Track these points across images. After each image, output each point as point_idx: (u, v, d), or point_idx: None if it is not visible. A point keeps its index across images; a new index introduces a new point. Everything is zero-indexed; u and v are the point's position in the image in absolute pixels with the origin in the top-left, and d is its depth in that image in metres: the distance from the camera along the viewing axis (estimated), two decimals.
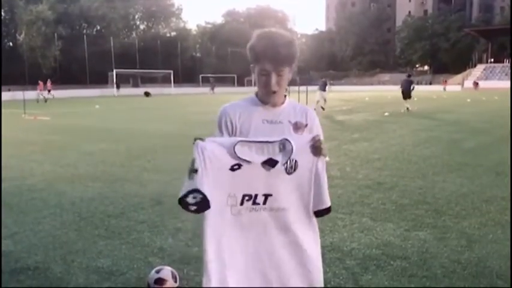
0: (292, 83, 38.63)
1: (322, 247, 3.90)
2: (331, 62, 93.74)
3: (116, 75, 50.53)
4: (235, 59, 70.09)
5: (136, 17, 76.32)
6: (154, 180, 6.74)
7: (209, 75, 61.58)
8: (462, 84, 59.71)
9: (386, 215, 4.97)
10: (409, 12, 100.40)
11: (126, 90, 51.69)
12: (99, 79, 54.50)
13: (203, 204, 1.65)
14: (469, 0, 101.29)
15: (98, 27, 68.11)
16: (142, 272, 3.45)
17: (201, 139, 1.69)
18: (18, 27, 58.67)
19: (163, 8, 75.94)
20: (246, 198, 1.71)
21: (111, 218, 4.92)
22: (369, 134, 12.21)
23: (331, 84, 45.76)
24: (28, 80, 47.82)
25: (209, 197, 1.65)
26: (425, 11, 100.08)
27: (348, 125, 15.05)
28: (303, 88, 24.28)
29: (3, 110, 24.06)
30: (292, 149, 1.71)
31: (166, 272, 3.03)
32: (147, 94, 46.55)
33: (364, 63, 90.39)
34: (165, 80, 60.16)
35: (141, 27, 78.01)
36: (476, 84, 52.65)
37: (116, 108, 26.64)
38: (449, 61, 79.52)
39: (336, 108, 23.74)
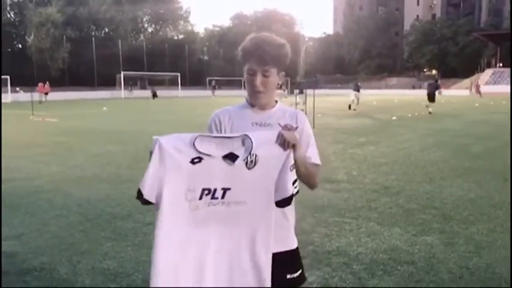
0: (300, 86, 38.38)
1: (328, 251, 3.95)
2: (339, 66, 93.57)
3: (124, 77, 50.75)
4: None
5: (145, 19, 76.57)
6: None
7: (216, 78, 61.67)
8: (470, 89, 59.37)
9: (393, 219, 4.94)
10: (417, 16, 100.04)
11: (133, 93, 51.95)
12: (107, 81, 54.76)
13: (140, 198, 1.66)
14: (478, 4, 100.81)
15: (106, 30, 68.39)
16: (148, 274, 3.43)
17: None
18: (27, 29, 59.05)
19: (171, 11, 76.17)
20: (205, 192, 1.69)
21: (118, 219, 4.93)
22: (376, 138, 12.17)
23: (340, 88, 45.96)
24: (36, 82, 48.17)
25: (162, 192, 1.64)
26: (434, 15, 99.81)
27: (355, 128, 15.00)
28: (310, 92, 24.25)
29: (11, 111, 24.26)
30: (251, 144, 1.69)
31: None
32: (154, 94, 46.84)
33: (371, 67, 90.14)
34: (172, 83, 60.33)
35: (149, 30, 78.24)
36: (478, 87, 49.59)
37: (123, 110, 26.74)
38: (457, 65, 79.10)
39: (342, 111, 23.69)
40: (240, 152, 1.70)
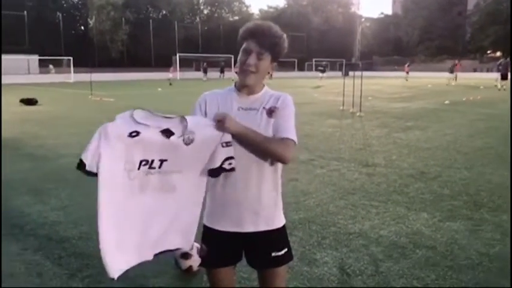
0: (354, 68, 37.51)
1: (350, 233, 4.05)
2: (396, 47, 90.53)
3: (179, 59, 51.72)
4: (296, 44, 69.61)
5: (201, 1, 77.44)
6: None
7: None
8: None
9: (423, 204, 4.94)
10: None
11: (187, 74, 52.87)
12: (164, 63, 56.08)
13: (82, 169, 1.78)
14: None
15: (164, 12, 69.84)
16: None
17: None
18: (89, 12, 61.35)
19: None
20: (143, 163, 1.83)
21: None
22: (424, 123, 11.90)
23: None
24: (98, 63, 50.12)
25: (103, 163, 1.76)
26: None
27: (404, 112, 14.69)
28: (366, 73, 23.84)
29: (72, 91, 25.53)
30: (186, 125, 1.83)
31: (193, 247, 3.23)
32: (205, 70, 47.60)
33: (431, 48, 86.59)
34: (226, 65, 60.87)
35: (205, 11, 79.09)
36: None
37: (176, 91, 27.42)
38: None
39: (395, 95, 23.16)
40: (176, 130, 1.83)
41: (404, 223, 4.36)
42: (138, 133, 1.80)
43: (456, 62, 40.48)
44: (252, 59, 1.91)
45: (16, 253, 3.65)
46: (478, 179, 6.01)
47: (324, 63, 54.72)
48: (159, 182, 1.88)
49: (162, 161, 1.85)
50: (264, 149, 1.89)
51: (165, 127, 1.83)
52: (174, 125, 1.84)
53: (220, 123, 1.82)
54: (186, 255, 3.23)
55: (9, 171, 6.45)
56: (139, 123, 1.82)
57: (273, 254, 2.01)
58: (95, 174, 1.77)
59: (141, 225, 1.88)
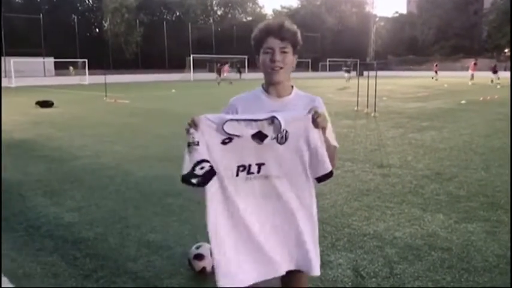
0: (369, 67, 36.97)
1: (364, 234, 4.02)
2: (411, 47, 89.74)
3: (193, 60, 51.89)
4: (310, 44, 69.36)
5: (214, 2, 77.69)
6: None
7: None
8: None
9: (438, 206, 4.88)
10: None
11: (201, 75, 53.03)
12: (177, 64, 56.34)
13: (210, 173, 1.75)
14: None
15: (177, 14, 70.23)
16: (189, 248, 3.69)
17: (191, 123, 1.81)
18: (104, 14, 61.97)
19: None
20: (241, 169, 1.79)
21: (169, 196, 5.24)
22: (440, 123, 11.77)
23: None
24: (112, 65, 50.55)
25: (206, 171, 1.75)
26: None
27: (420, 112, 14.54)
28: (380, 73, 23.71)
29: (87, 93, 25.79)
30: (280, 124, 1.76)
31: (206, 248, 3.23)
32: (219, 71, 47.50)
33: (446, 47, 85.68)
34: (240, 66, 60.91)
35: (218, 12, 79.34)
36: None
37: (191, 92, 27.53)
38: None
39: (410, 95, 22.96)
40: (268, 131, 1.78)
41: (419, 225, 4.31)
42: (230, 139, 1.77)
43: (474, 61, 39.78)
44: (278, 55, 1.92)
45: (32, 254, 3.69)
46: (495, 179, 5.92)
47: (348, 63, 53.73)
48: (261, 186, 1.82)
49: (259, 165, 1.80)
50: (331, 156, 1.89)
51: (256, 130, 1.78)
52: (265, 127, 1.79)
53: (320, 118, 1.81)
54: (199, 257, 3.23)
55: (24, 172, 6.53)
56: (229, 134, 1.78)
57: None
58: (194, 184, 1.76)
59: (253, 236, 1.82)
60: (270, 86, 2.02)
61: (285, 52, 1.94)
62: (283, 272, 1.89)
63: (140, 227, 4.29)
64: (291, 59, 1.98)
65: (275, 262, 1.86)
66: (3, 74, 36.23)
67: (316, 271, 1.91)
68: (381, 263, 3.49)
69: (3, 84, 28.78)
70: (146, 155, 7.81)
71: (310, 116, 1.81)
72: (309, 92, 2.10)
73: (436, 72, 43.56)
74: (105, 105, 18.51)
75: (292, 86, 2.05)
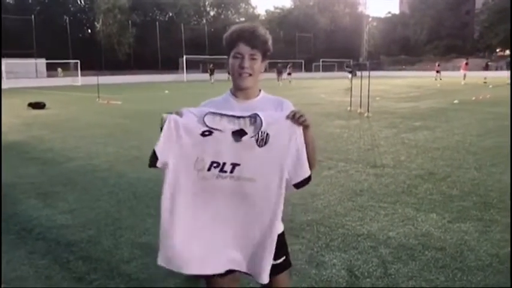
0: (362, 67, 37.10)
1: (358, 235, 4.03)
2: (404, 47, 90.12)
3: (186, 61, 51.79)
4: (303, 44, 69.55)
5: (207, 3, 77.58)
6: None
7: (279, 61, 61.37)
8: None
9: (432, 205, 4.89)
10: None
11: (194, 76, 52.93)
12: (170, 65, 56.22)
13: (154, 157, 1.79)
14: None
15: (170, 14, 70.08)
16: None
17: (173, 112, 1.83)
18: (96, 15, 61.72)
19: None
20: (214, 165, 1.77)
21: None
22: (433, 123, 11.82)
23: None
24: (105, 66, 50.37)
25: (173, 159, 1.77)
26: None
27: (412, 112, 14.60)
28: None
29: (80, 94, 25.66)
30: (261, 122, 1.75)
31: None
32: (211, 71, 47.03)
33: (439, 47, 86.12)
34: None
35: (211, 13, 79.25)
36: None
37: (184, 93, 27.47)
38: None
39: (402, 94, 23.05)
40: (249, 129, 1.77)
41: (413, 224, 4.33)
42: (210, 133, 1.77)
43: (466, 61, 39.81)
44: (247, 62, 1.93)
45: (24, 257, 3.66)
46: (488, 179, 5.95)
47: (350, 63, 53.42)
48: (231, 187, 1.78)
49: (234, 165, 1.77)
50: (313, 150, 1.88)
51: (238, 127, 1.77)
52: (247, 124, 1.78)
53: (302, 118, 1.79)
54: None
55: (17, 174, 6.49)
56: (210, 127, 1.77)
57: (272, 263, 1.89)
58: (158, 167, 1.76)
59: (209, 231, 1.80)
60: (237, 90, 2.03)
61: (254, 59, 1.94)
62: (223, 270, 1.85)
63: (134, 228, 4.27)
64: (259, 66, 1.99)
65: (225, 259, 1.83)
66: None
67: (265, 279, 1.83)
68: (375, 263, 3.49)
69: None
70: (139, 157, 7.77)
71: (289, 120, 1.80)
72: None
73: (438, 72, 42.82)
74: (97, 107, 18.43)
75: (260, 90, 2.06)
